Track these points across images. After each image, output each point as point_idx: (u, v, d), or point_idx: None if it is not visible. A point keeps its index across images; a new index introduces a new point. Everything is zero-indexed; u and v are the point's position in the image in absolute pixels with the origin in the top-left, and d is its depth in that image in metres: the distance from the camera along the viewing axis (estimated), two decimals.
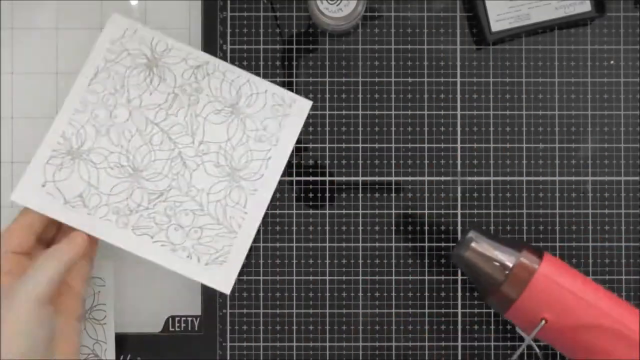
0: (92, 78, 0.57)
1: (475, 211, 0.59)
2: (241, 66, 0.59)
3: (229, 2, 0.59)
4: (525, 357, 0.56)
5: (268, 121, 0.57)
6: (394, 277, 0.59)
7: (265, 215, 0.58)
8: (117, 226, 0.56)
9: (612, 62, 0.60)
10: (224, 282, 0.56)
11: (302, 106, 0.58)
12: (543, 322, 0.44)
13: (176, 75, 0.57)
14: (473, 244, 0.51)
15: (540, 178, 0.59)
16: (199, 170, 0.57)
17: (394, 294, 0.59)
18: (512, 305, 0.46)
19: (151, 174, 0.56)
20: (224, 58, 0.59)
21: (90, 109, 0.56)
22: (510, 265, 0.47)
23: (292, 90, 0.59)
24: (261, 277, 0.59)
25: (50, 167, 0.56)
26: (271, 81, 0.58)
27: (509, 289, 0.46)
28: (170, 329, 0.59)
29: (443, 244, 0.59)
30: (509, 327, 0.57)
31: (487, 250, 0.49)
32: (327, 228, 0.59)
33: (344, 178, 0.59)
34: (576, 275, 0.47)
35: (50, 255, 0.51)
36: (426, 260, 0.59)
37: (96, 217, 0.55)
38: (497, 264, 0.48)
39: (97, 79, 0.57)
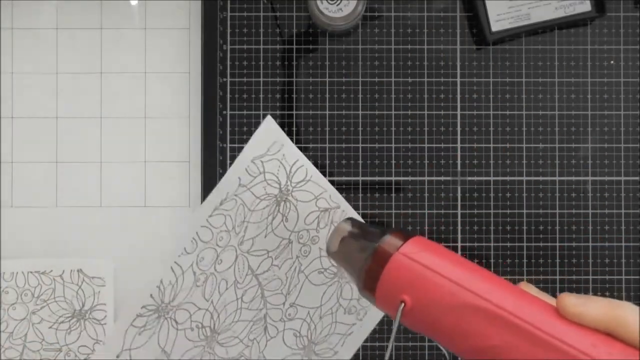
0: (217, 207, 0.46)
1: (475, 211, 0.59)
2: (241, 66, 0.59)
3: (229, 2, 0.59)
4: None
5: None
6: None
7: None
8: None
9: (612, 62, 0.60)
10: None
11: None
12: (402, 304, 0.39)
13: (299, 217, 0.47)
14: (346, 231, 0.46)
15: (540, 178, 0.59)
16: (277, 338, 0.48)
17: None
18: (376, 289, 0.41)
19: (228, 338, 0.47)
20: (224, 58, 0.59)
21: (199, 250, 0.46)
22: (375, 245, 0.42)
23: (292, 91, 0.59)
24: None
25: (132, 330, 0.46)
26: (271, 81, 0.58)
27: (372, 272, 0.41)
28: None
29: (443, 244, 0.59)
30: None
31: (357, 235, 0.45)
32: None
33: (344, 178, 0.59)
34: (446, 255, 0.41)
35: None
36: None
37: None
38: (365, 246, 0.43)
39: (222, 208, 0.46)
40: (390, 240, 0.42)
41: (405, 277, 0.40)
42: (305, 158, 0.48)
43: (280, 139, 0.48)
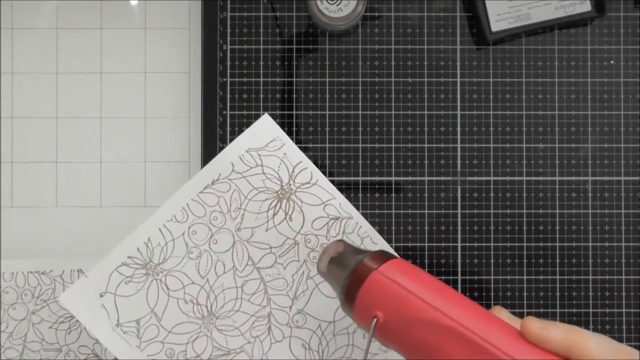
0: (209, 185, 0.48)
1: (475, 211, 0.59)
2: (241, 66, 0.59)
3: (229, 2, 0.59)
4: None
5: None
6: None
7: None
8: None
9: (612, 62, 0.60)
10: None
11: None
12: (375, 319, 0.42)
13: (306, 220, 0.48)
14: (335, 252, 0.48)
15: (540, 178, 0.59)
16: (283, 343, 0.48)
17: None
18: (354, 305, 0.44)
19: (227, 326, 0.47)
20: (224, 58, 0.59)
21: (190, 222, 0.47)
22: (354, 264, 0.45)
23: (292, 91, 0.59)
24: None
25: (118, 276, 0.47)
26: (271, 81, 0.58)
27: (352, 289, 0.44)
28: None
29: (443, 244, 0.59)
30: None
31: (343, 256, 0.47)
32: None
33: (344, 178, 0.59)
34: (420, 277, 0.44)
35: None
36: (426, 260, 0.59)
37: (144, 354, 0.47)
38: (348, 265, 0.46)
39: (214, 187, 0.48)
40: (369, 261, 0.44)
41: (380, 294, 0.43)
42: (309, 161, 0.50)
43: (280, 137, 0.50)
